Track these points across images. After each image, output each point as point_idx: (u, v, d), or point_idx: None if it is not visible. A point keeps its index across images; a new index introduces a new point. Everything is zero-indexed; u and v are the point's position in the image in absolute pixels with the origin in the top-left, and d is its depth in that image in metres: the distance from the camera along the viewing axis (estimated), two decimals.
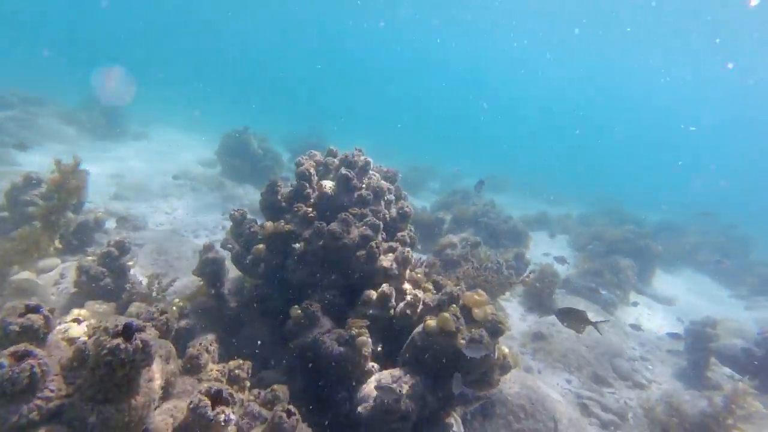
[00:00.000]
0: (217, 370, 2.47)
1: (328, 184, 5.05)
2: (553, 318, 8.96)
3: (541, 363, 7.88)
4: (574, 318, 4.80)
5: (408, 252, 4.47)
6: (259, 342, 5.04)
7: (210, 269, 5.57)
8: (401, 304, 4.22)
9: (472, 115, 68.59)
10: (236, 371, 2.60)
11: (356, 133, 37.56)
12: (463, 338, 3.77)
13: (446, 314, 3.73)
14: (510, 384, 6.20)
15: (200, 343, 2.58)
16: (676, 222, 19.92)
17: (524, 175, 29.80)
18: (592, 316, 10.25)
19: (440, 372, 3.83)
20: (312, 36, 67.60)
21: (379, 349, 4.22)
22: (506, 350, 4.01)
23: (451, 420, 4.46)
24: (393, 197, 5.77)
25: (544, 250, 13.06)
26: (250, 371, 2.70)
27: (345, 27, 59.15)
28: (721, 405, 4.99)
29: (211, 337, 5.78)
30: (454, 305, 3.88)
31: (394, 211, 5.69)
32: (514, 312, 9.24)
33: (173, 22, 61.67)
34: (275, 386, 2.84)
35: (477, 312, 3.92)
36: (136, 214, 10.53)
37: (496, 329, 3.81)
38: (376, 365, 4.00)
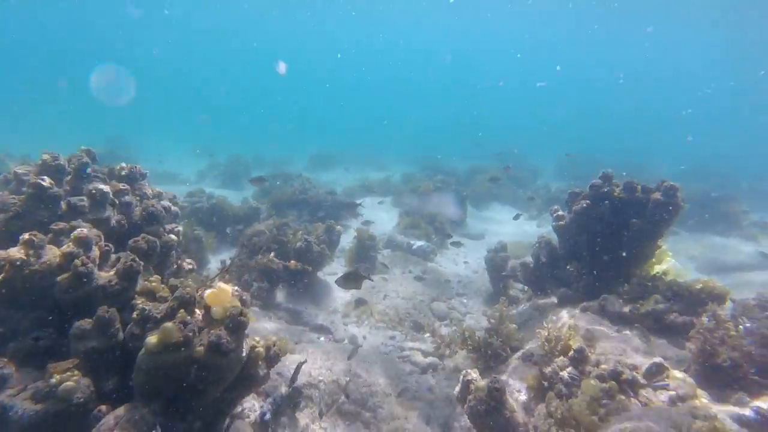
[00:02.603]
0: None
1: (16, 199, 3.93)
2: (373, 281, 9.14)
3: (365, 328, 7.92)
4: (350, 281, 5.15)
5: (134, 261, 3.71)
6: None
7: None
8: (130, 325, 3.48)
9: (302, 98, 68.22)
10: None
11: (172, 136, 33.84)
12: (201, 344, 3.25)
13: (169, 324, 3.13)
14: (320, 364, 6.01)
15: None
16: (483, 165, 22.55)
17: (354, 149, 30.49)
18: (415, 261, 10.60)
19: (183, 390, 3.25)
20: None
21: (111, 385, 3.45)
22: (261, 350, 3.62)
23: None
24: (134, 198, 4.88)
25: (370, 216, 13.32)
26: None
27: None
28: (497, 319, 5.50)
29: None
30: (183, 311, 3.30)
31: (137, 214, 4.82)
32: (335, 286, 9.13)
33: None
34: None
35: (215, 310, 3.42)
36: None
37: (238, 324, 3.36)
38: (104, 407, 3.24)
